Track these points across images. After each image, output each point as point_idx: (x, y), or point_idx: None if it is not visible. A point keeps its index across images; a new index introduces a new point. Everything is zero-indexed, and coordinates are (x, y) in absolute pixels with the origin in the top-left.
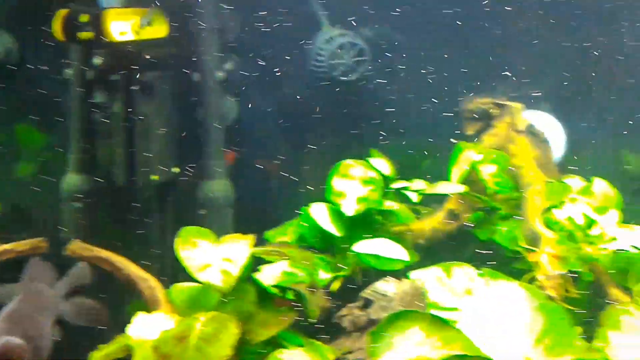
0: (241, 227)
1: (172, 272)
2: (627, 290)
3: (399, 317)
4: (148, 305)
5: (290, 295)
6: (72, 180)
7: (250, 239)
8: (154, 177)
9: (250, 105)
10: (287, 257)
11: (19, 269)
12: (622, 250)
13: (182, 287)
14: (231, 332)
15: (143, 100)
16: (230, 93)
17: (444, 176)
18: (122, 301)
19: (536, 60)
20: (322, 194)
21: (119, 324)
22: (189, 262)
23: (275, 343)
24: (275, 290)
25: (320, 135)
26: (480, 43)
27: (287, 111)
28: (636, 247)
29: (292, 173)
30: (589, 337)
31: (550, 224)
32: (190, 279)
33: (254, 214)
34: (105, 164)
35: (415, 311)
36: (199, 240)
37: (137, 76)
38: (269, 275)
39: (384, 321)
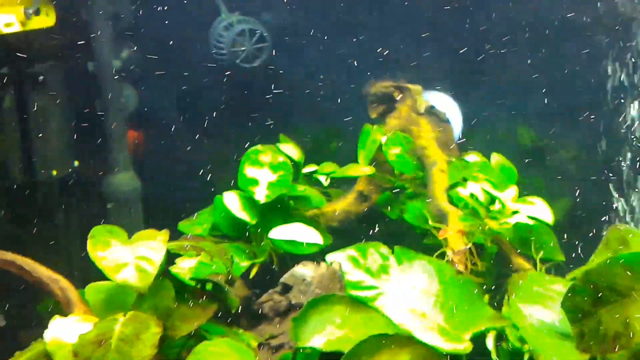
0: (150, 219)
1: (81, 271)
2: (528, 258)
3: (319, 302)
4: (61, 307)
5: (209, 287)
6: None
7: (164, 235)
8: (54, 172)
9: (150, 95)
10: (202, 250)
11: None
12: (522, 222)
13: (97, 287)
14: (152, 332)
15: (35, 93)
16: (129, 82)
17: (353, 159)
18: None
19: (433, 43)
20: (230, 181)
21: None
22: (104, 263)
23: (198, 335)
24: (193, 283)
25: (225, 123)
26: (377, 26)
27: (189, 99)
28: (534, 218)
29: (196, 162)
30: (497, 304)
31: (455, 201)
32: (101, 277)
33: (163, 204)
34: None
35: (334, 295)
36: (111, 239)
37: (28, 69)
38: (185, 269)
39: (305, 306)
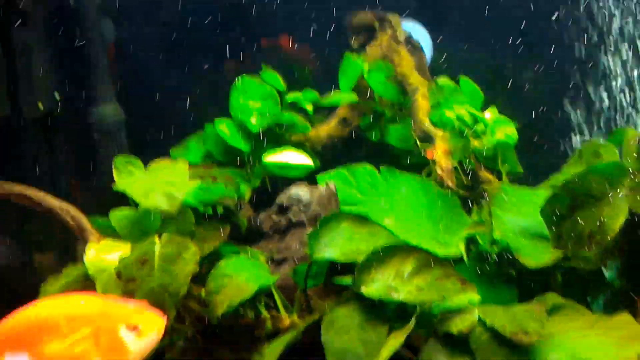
0: (134, 148)
1: (77, 200)
2: (492, 171)
3: (329, 219)
4: (75, 235)
5: (220, 210)
6: None
7: (183, 163)
8: (39, 106)
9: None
10: (211, 176)
11: None
12: (502, 139)
13: (121, 214)
14: (192, 251)
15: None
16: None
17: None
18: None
19: None
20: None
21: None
22: (131, 191)
23: (214, 254)
24: (201, 208)
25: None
26: None
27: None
28: (508, 135)
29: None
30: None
31: (439, 123)
32: (106, 209)
33: (147, 135)
34: None
35: (341, 213)
36: (133, 169)
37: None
38: (199, 194)
39: (319, 224)
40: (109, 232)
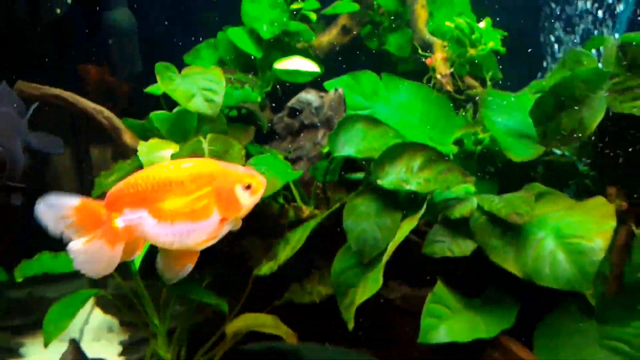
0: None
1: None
2: (481, 79)
3: (345, 121)
4: (109, 134)
5: (244, 112)
6: None
7: (218, 69)
8: (57, 11)
9: None
10: (239, 81)
11: None
12: (494, 48)
13: (162, 115)
14: (237, 148)
15: None
16: None
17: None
18: None
19: None
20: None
21: None
22: (177, 94)
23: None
24: (226, 111)
25: None
26: None
27: None
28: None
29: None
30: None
31: (436, 32)
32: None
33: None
34: None
35: (356, 115)
36: (171, 74)
37: None
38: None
39: (337, 125)
40: (137, 130)
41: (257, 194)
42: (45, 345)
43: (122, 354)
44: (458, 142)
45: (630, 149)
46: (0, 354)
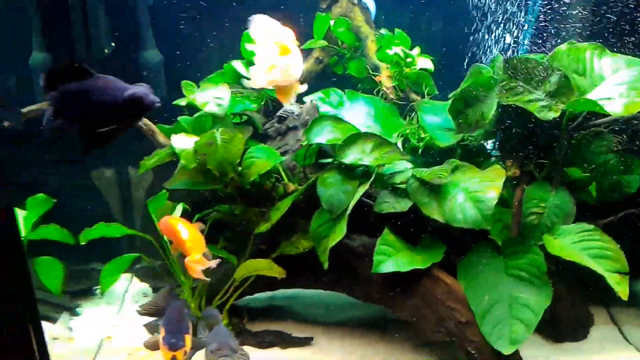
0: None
1: None
2: (421, 94)
3: (318, 120)
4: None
5: (245, 118)
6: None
7: (225, 85)
8: (106, 51)
9: None
10: (241, 94)
11: None
12: (424, 68)
13: (187, 119)
14: (239, 137)
15: None
16: None
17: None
18: None
19: None
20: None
21: None
22: (198, 102)
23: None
24: (231, 117)
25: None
26: None
27: None
28: (425, 69)
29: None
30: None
31: (383, 59)
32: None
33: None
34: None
35: (326, 115)
36: (192, 88)
37: None
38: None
39: (310, 123)
40: (166, 132)
41: None
42: (102, 292)
43: None
44: (405, 139)
45: (519, 131)
46: (63, 310)
